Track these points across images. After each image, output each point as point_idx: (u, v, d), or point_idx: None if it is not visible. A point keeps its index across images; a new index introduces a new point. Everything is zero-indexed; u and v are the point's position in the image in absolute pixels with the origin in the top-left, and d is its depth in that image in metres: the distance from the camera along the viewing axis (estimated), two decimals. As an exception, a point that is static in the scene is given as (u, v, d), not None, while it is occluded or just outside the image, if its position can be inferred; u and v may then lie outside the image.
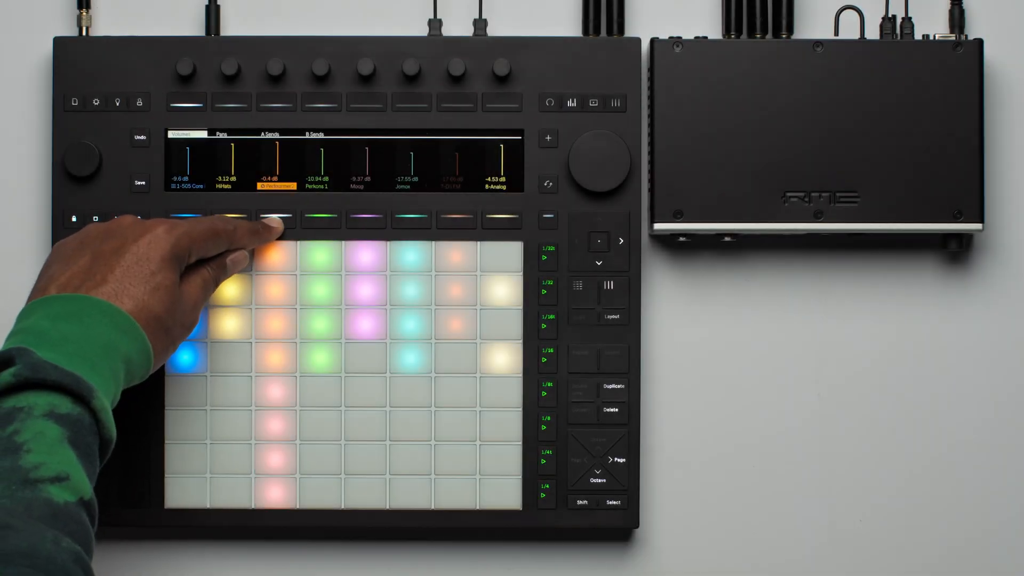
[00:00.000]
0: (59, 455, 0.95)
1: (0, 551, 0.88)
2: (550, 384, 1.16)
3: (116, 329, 1.02)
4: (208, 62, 1.16)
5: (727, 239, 1.17)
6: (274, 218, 1.16)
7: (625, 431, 1.16)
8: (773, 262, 1.19)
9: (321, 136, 1.16)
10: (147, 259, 1.06)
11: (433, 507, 1.16)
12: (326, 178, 1.16)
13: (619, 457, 1.16)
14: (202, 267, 1.11)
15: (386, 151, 1.16)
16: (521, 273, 1.16)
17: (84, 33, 1.17)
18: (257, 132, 1.16)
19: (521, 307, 1.16)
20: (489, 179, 1.16)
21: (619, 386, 1.16)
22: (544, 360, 1.16)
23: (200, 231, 1.09)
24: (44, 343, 1.00)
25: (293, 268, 1.16)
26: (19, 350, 0.98)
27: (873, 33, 1.18)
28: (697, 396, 1.19)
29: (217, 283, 1.12)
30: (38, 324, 1.01)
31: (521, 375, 1.16)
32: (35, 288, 1.05)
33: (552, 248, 1.16)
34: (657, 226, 1.15)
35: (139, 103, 1.16)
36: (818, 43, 1.15)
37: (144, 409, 1.15)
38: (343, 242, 1.16)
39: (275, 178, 1.16)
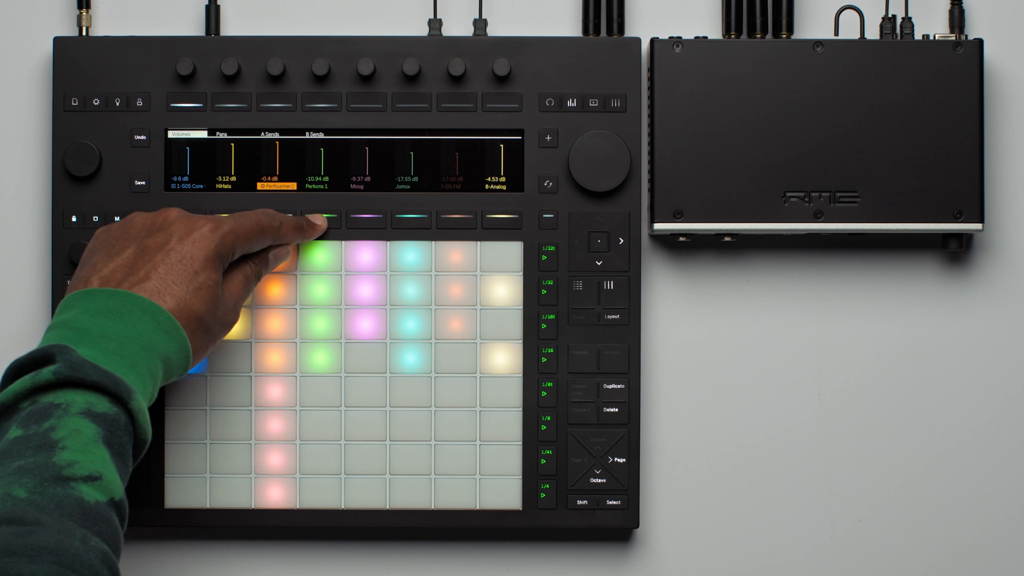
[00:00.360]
0: (93, 454, 0.95)
1: (28, 547, 0.88)
2: (550, 384, 1.16)
3: (157, 328, 1.02)
4: (208, 62, 1.16)
5: (727, 239, 1.17)
6: (319, 216, 1.16)
7: (625, 431, 1.16)
8: (773, 262, 1.19)
9: (321, 136, 1.16)
10: (191, 258, 1.05)
11: (433, 507, 1.16)
12: (326, 178, 1.16)
13: (619, 457, 1.16)
14: (245, 263, 1.11)
15: (386, 151, 1.16)
16: (521, 273, 1.16)
17: (84, 33, 1.17)
18: (257, 132, 1.16)
19: (521, 307, 1.16)
20: (489, 179, 1.16)
21: (619, 386, 1.16)
22: (544, 360, 1.16)
23: (245, 228, 1.09)
24: (84, 339, 1.00)
25: (293, 268, 1.16)
26: (60, 347, 0.98)
27: (873, 33, 1.18)
28: (697, 396, 1.19)
29: (259, 278, 1.12)
30: (79, 319, 1.01)
31: (521, 375, 1.16)
32: (77, 277, 1.05)
33: (552, 248, 1.16)
34: (657, 226, 1.15)
35: (139, 103, 1.16)
36: (818, 43, 1.15)
37: (144, 409, 1.15)
38: (343, 242, 1.16)
39: (275, 178, 1.16)
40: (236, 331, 1.15)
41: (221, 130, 1.16)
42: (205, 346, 1.06)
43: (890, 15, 1.17)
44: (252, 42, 1.16)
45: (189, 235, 1.06)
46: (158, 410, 1.15)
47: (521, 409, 1.16)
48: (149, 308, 1.02)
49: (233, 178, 1.16)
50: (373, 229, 1.16)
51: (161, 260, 1.05)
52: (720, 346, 1.19)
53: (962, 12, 1.18)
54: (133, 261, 1.05)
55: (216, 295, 1.06)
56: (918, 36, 1.17)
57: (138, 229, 1.08)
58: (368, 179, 1.16)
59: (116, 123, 1.16)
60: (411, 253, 1.16)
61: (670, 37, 1.16)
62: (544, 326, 1.16)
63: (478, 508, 1.16)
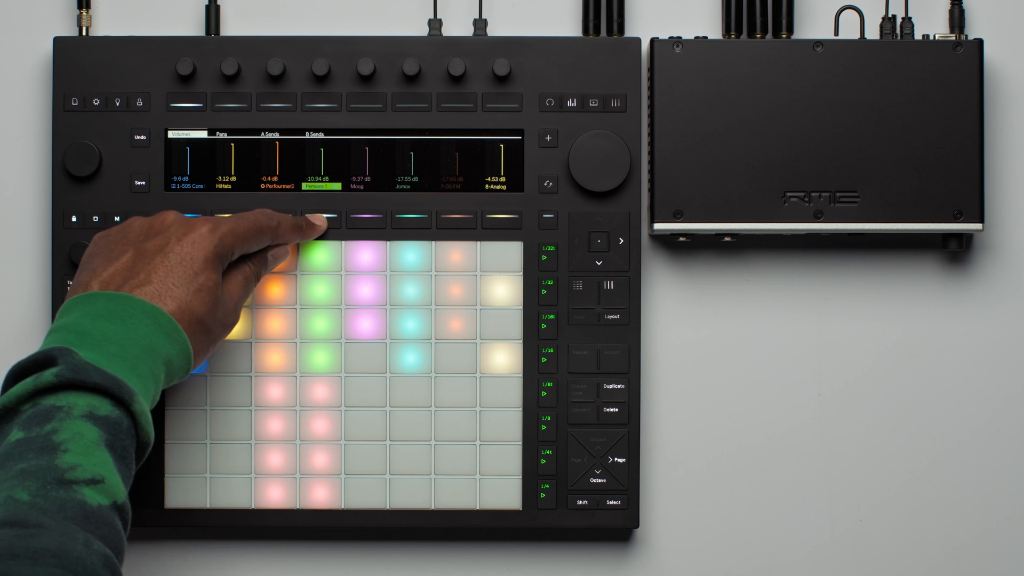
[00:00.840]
0: (95, 457, 0.95)
1: (31, 549, 0.88)
2: (550, 384, 1.16)
3: (158, 331, 1.02)
4: (208, 62, 1.16)
5: (727, 239, 1.17)
6: (319, 216, 1.15)
7: (625, 431, 1.16)
8: (773, 262, 1.19)
9: (321, 136, 1.16)
10: (191, 259, 1.05)
11: (433, 507, 1.16)
12: (326, 178, 1.16)
13: (619, 457, 1.16)
14: (244, 264, 1.11)
15: (386, 151, 1.16)
16: (521, 273, 1.16)
17: (84, 33, 1.17)
18: (257, 132, 1.16)
19: (521, 307, 1.16)
20: (489, 179, 1.16)
21: (619, 386, 1.16)
22: (544, 360, 1.16)
23: (244, 229, 1.09)
24: (86, 342, 1.00)
25: (293, 268, 1.16)
26: (61, 350, 0.98)
27: (873, 33, 1.18)
28: (697, 396, 1.19)
29: (258, 278, 1.12)
30: (80, 322, 1.01)
31: (521, 375, 1.16)
32: (77, 282, 1.05)
33: (552, 248, 1.16)
34: (657, 226, 1.15)
35: (139, 103, 1.16)
36: (818, 43, 1.15)
37: (144, 409, 1.15)
38: (343, 242, 1.16)
39: (275, 178, 1.16)
40: (236, 331, 1.15)
41: (221, 130, 1.16)
42: (206, 348, 1.06)
43: (890, 15, 1.17)
44: (252, 42, 1.16)
45: (187, 236, 1.06)
46: (158, 410, 1.15)
47: (521, 409, 1.16)
48: (150, 311, 1.02)
49: (233, 178, 1.16)
50: (373, 229, 1.16)
51: (160, 263, 1.05)
52: (720, 346, 1.19)
53: (962, 12, 1.18)
54: (132, 265, 1.05)
55: (216, 296, 1.06)
56: (918, 36, 1.17)
57: (136, 233, 1.08)
58: (368, 179, 1.16)
59: (116, 123, 1.16)
60: (411, 253, 1.16)
61: (670, 37, 1.16)
62: (544, 326, 1.16)
63: (478, 508, 1.16)
